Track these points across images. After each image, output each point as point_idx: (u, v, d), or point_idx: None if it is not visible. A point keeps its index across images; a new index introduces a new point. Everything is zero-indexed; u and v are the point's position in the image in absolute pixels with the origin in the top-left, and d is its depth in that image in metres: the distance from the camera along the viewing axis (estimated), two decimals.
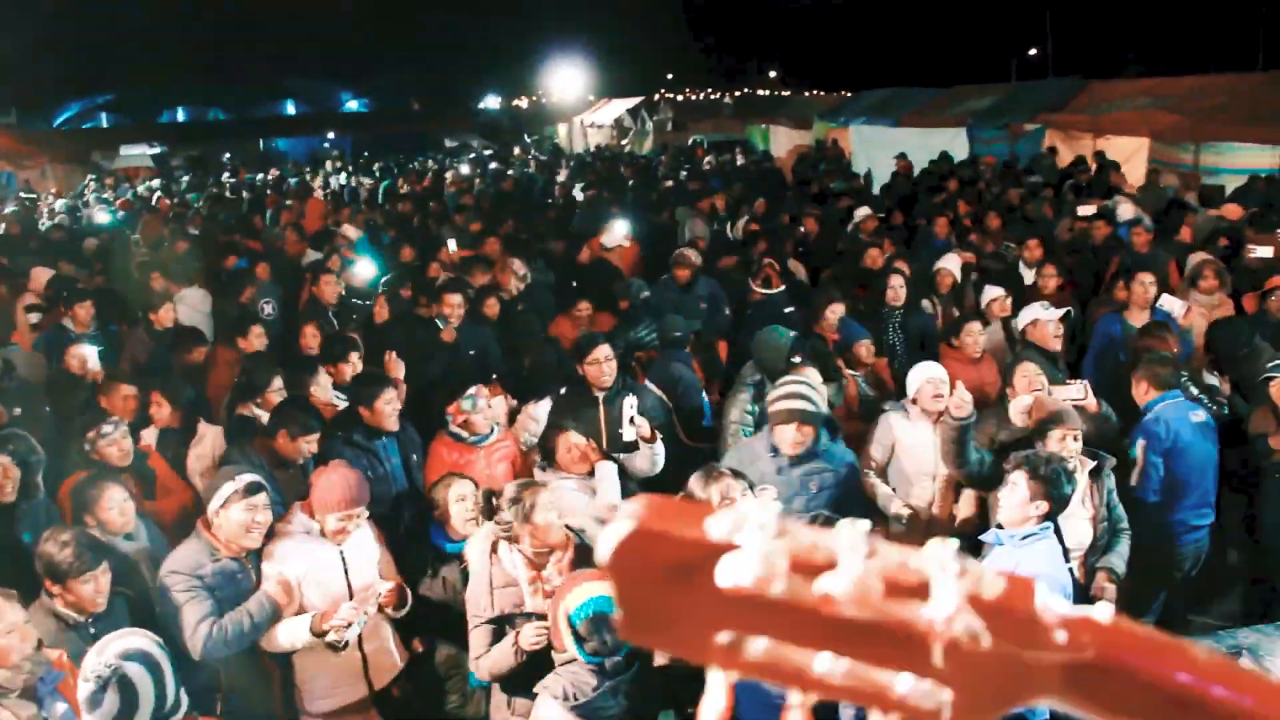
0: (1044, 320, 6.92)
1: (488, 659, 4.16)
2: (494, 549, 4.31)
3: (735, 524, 0.67)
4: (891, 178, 17.83)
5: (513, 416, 6.40)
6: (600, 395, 5.96)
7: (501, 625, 4.20)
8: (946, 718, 0.64)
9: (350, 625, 4.36)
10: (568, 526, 4.44)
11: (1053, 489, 4.40)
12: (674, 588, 0.67)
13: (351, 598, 4.55)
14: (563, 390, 6.25)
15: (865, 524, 0.67)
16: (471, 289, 8.30)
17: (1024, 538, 4.40)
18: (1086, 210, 11.21)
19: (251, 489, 4.43)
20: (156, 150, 40.18)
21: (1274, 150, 14.23)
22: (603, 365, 6.00)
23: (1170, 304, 7.63)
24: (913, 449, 5.90)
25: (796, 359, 6.18)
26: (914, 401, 5.95)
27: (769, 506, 0.68)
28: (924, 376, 5.91)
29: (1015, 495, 4.45)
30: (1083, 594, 5.01)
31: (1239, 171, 14.26)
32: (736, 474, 4.29)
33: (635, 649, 3.77)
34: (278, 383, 6.31)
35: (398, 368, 6.46)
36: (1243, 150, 14.67)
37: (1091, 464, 5.22)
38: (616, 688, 3.82)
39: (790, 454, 4.98)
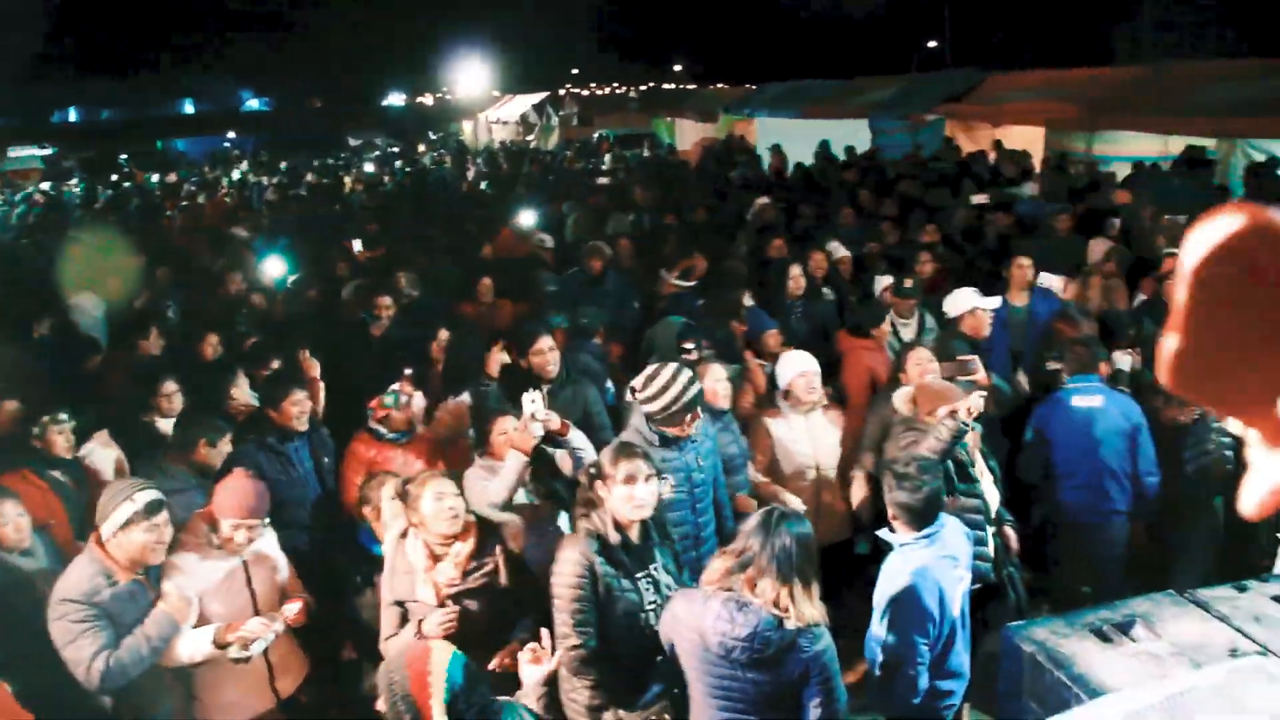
0: (982, 311, 6.98)
1: (395, 642, 4.13)
2: (403, 535, 4.33)
3: None
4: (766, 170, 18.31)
5: (429, 414, 6.37)
6: (546, 386, 5.93)
7: (405, 609, 4.23)
8: None
9: (257, 640, 4.27)
10: (476, 515, 4.46)
11: (908, 496, 4.34)
12: (1264, 317, 0.51)
13: (256, 608, 4.48)
14: (484, 384, 6.27)
15: None
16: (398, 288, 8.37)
17: (901, 545, 4.38)
18: (979, 199, 11.48)
19: (152, 508, 4.19)
20: (47, 152, 39.03)
21: (1163, 139, 14.71)
22: (547, 355, 6.05)
23: (1049, 280, 7.96)
24: (791, 443, 5.94)
25: (688, 345, 6.20)
26: (786, 395, 5.99)
27: None
28: (797, 370, 5.93)
29: (888, 501, 4.47)
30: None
31: (1129, 159, 14.75)
32: (645, 455, 4.29)
33: None
34: (170, 385, 6.16)
35: (314, 367, 6.38)
36: (1133, 139, 15.14)
37: (976, 433, 5.35)
38: None
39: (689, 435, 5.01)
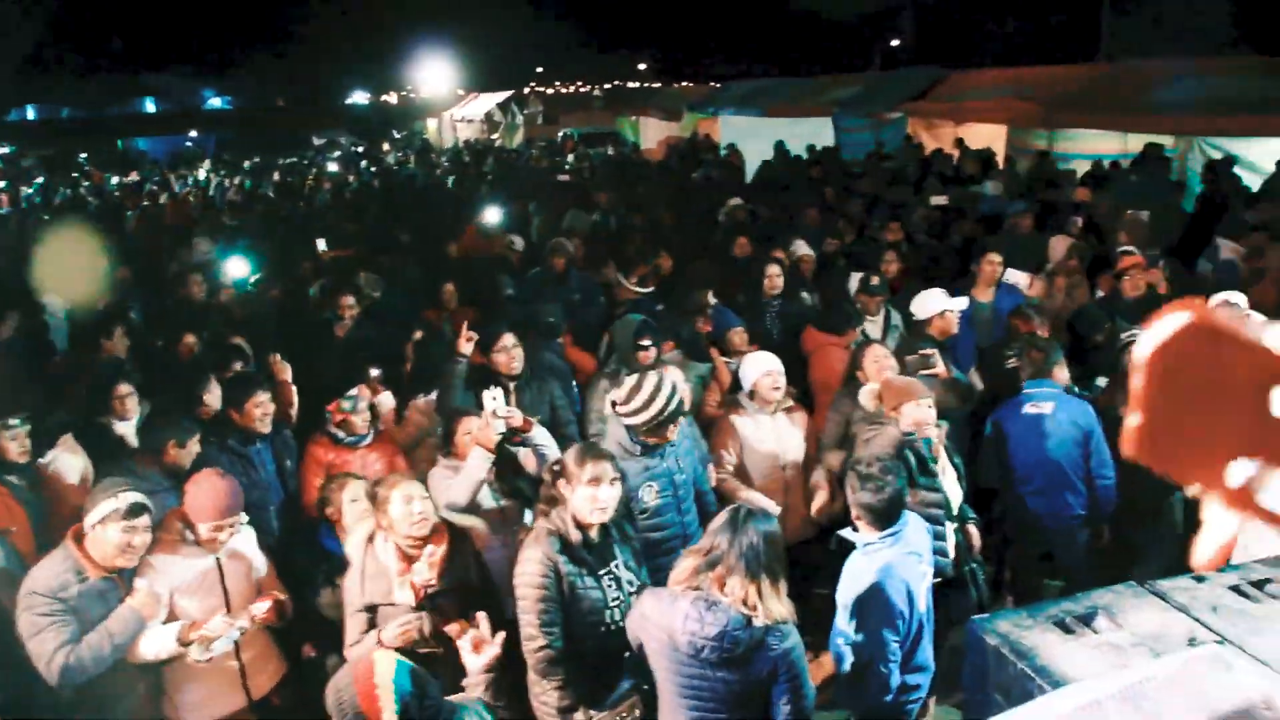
0: (952, 312, 7.02)
1: (359, 648, 4.11)
2: (370, 539, 4.31)
3: None
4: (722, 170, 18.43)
5: (399, 414, 6.37)
6: (511, 384, 6.01)
7: (373, 614, 4.20)
8: None
9: (219, 639, 4.20)
10: (444, 520, 4.47)
11: (871, 497, 4.32)
12: (1209, 397, 0.63)
13: (229, 607, 4.45)
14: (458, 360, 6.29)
15: None
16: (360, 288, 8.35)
17: (865, 545, 4.36)
18: (939, 200, 11.59)
19: (134, 510, 4.18)
20: (5, 150, 38.57)
21: (1122, 137, 14.90)
22: (511, 353, 6.11)
23: (1016, 277, 8.06)
24: (758, 443, 5.95)
25: (645, 342, 6.22)
26: (751, 395, 6.01)
27: None
28: (762, 370, 5.96)
29: (851, 502, 4.46)
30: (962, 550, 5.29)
31: (1089, 156, 14.94)
32: (611, 458, 4.31)
33: None
34: (125, 388, 6.09)
35: (285, 370, 6.36)
36: (1093, 136, 15.32)
37: (942, 430, 5.39)
38: None
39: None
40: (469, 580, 4.36)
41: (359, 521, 4.70)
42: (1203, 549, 0.69)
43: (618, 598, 4.11)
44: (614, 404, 5.00)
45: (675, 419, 4.91)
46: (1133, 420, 0.68)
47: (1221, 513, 0.66)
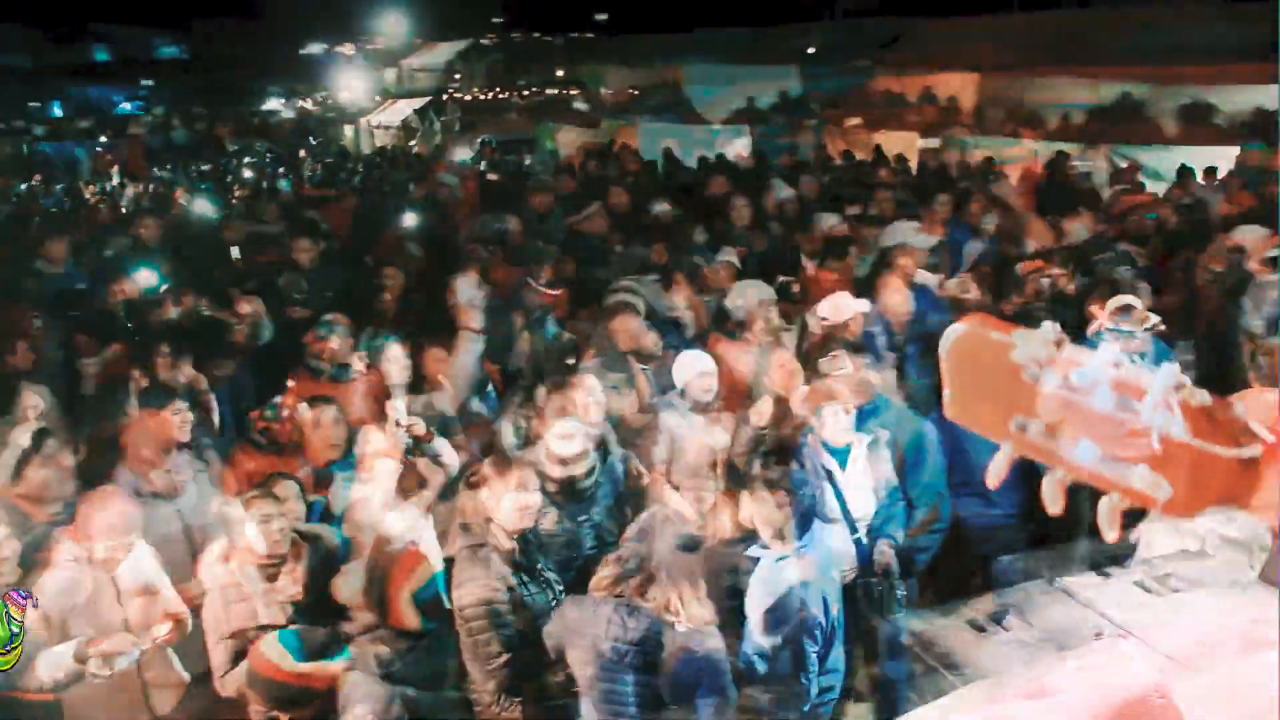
0: (862, 314, 7.08)
1: (234, 675, 4.00)
2: (226, 562, 4.22)
3: (1030, 334, 0.97)
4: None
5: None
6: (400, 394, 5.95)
7: (239, 640, 4.06)
8: (1162, 504, 0.89)
9: (121, 655, 4.05)
10: (298, 532, 4.40)
11: (776, 514, 4.25)
12: (987, 375, 0.99)
13: (128, 624, 4.31)
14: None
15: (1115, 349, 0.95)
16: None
17: (777, 560, 4.27)
18: (852, 210, 11.74)
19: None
20: None
21: (1032, 144, 15.28)
22: (401, 361, 6.07)
23: (926, 276, 8.22)
24: (690, 442, 5.93)
25: (569, 361, 6.19)
26: (681, 395, 6.00)
27: (1053, 328, 0.98)
28: (696, 370, 5.92)
29: (757, 513, 4.40)
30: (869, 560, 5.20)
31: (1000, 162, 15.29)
32: (529, 462, 4.32)
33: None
34: (32, 398, 5.89)
35: (202, 380, 6.27)
36: (1005, 143, 15.70)
37: (868, 439, 5.34)
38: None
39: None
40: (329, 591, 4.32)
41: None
42: (992, 469, 1.04)
43: (556, 598, 4.15)
44: (549, 439, 4.97)
45: (584, 494, 4.89)
46: (946, 394, 1.05)
47: (1007, 448, 1.02)
